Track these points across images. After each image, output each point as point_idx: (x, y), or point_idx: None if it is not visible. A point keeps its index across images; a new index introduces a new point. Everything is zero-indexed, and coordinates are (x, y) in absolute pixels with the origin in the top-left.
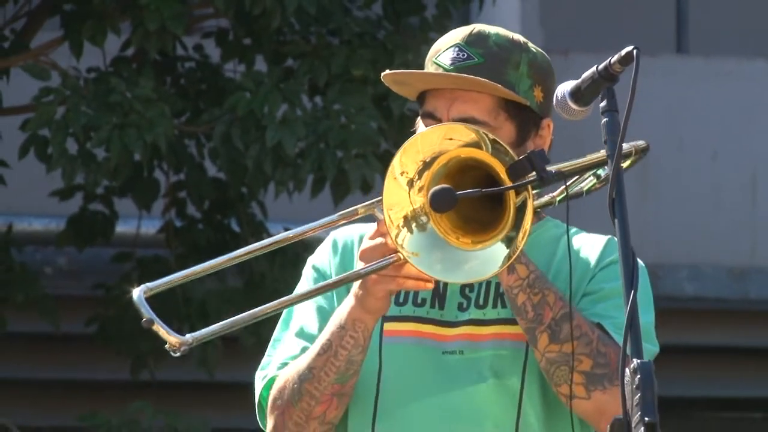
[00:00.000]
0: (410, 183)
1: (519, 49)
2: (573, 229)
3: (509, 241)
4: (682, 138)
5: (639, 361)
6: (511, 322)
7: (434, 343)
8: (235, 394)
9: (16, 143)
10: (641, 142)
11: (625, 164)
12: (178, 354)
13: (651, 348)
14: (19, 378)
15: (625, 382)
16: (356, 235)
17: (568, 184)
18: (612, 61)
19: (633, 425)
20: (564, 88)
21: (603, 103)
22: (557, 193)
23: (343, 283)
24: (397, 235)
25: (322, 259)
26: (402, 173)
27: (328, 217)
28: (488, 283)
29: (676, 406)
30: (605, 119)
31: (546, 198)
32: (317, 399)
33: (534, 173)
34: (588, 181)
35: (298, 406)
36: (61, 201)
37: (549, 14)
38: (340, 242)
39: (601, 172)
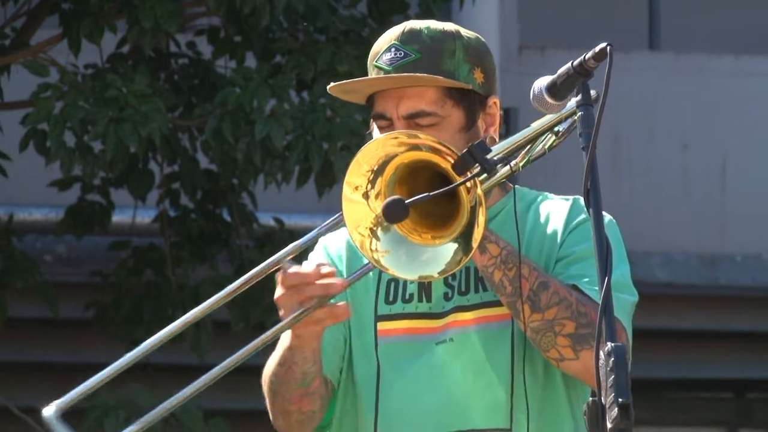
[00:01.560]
0: (365, 195)
1: (452, 37)
2: (541, 195)
3: (465, 240)
4: (653, 130)
5: (613, 344)
6: (493, 303)
7: (426, 337)
8: (224, 377)
9: (17, 136)
10: (592, 93)
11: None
12: None
13: (630, 298)
14: (20, 361)
15: (600, 364)
16: (344, 241)
17: (512, 164)
18: (587, 57)
19: (607, 406)
20: (541, 83)
21: (578, 98)
22: (518, 159)
23: (276, 334)
24: (369, 244)
25: (320, 259)
26: (355, 189)
27: (295, 243)
28: (467, 269)
29: (649, 387)
30: (580, 113)
31: (506, 169)
32: (288, 399)
33: (477, 165)
34: (548, 139)
35: (276, 401)
36: (60, 192)
37: (526, 12)
38: (332, 250)
39: (559, 128)
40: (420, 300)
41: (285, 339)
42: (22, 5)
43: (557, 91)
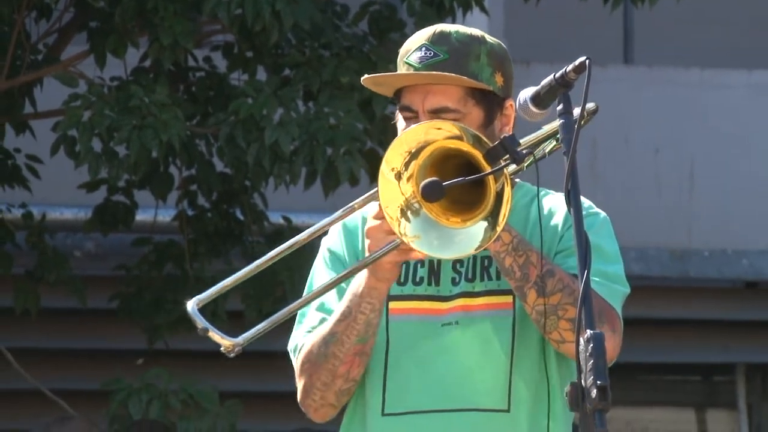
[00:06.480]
0: (398, 175)
1: (478, 42)
2: (542, 191)
3: (493, 217)
4: (628, 136)
5: (592, 331)
6: (497, 292)
7: (433, 318)
8: (239, 362)
9: (49, 142)
10: (591, 105)
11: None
12: (232, 355)
13: (623, 289)
14: (51, 347)
15: (580, 350)
16: (359, 216)
17: (533, 152)
18: (567, 70)
19: (587, 387)
20: (525, 94)
21: (560, 107)
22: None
23: (358, 271)
24: (399, 226)
25: (334, 241)
26: (391, 169)
27: (331, 216)
28: (474, 258)
29: (624, 370)
30: (562, 120)
31: (515, 166)
32: (341, 359)
33: (508, 156)
34: (549, 145)
35: (324, 367)
36: (88, 193)
37: (512, 29)
38: (348, 224)
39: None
40: (429, 283)
41: (348, 294)
42: (53, 24)
43: (541, 100)
